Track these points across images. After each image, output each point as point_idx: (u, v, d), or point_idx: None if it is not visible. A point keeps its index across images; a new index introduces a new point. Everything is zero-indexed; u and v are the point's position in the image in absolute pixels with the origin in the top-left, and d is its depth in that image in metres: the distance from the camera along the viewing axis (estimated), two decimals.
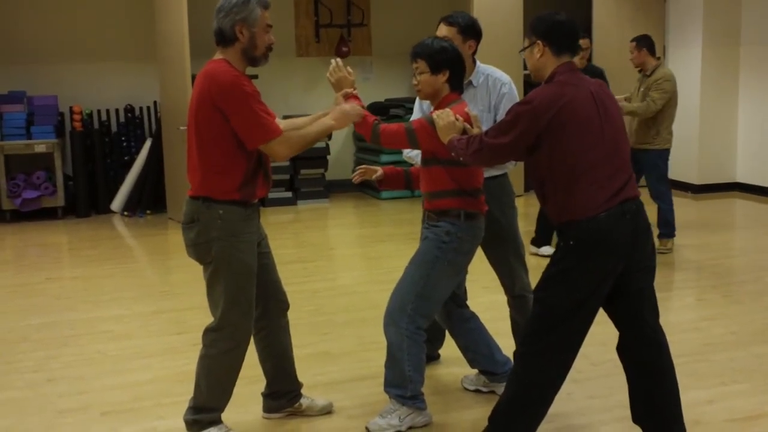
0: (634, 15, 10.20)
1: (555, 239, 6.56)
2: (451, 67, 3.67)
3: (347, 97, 3.76)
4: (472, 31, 4.01)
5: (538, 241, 6.99)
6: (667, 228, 7.13)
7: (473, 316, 4.11)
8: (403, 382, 3.71)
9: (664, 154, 7.11)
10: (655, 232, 7.17)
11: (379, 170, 4.06)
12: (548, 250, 6.84)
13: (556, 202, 3.24)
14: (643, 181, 7.13)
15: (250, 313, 3.58)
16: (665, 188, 7.16)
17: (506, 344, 4.20)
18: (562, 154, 3.16)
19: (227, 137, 3.42)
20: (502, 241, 4.10)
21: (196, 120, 3.46)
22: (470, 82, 4.04)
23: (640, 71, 7.21)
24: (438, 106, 3.70)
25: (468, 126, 3.57)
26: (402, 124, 3.70)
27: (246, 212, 3.53)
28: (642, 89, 7.03)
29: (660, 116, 6.98)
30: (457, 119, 3.54)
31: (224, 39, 3.48)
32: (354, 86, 3.80)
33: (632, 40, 7.20)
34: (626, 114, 6.87)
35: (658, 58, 7.21)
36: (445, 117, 3.54)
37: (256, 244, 3.61)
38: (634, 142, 7.00)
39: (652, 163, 7.04)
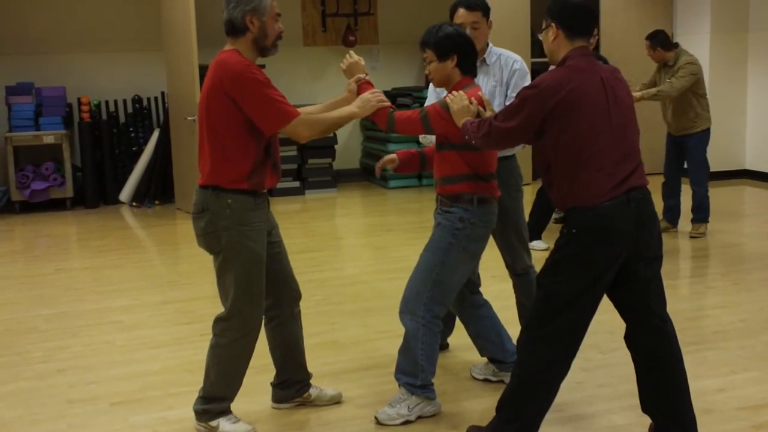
0: (642, 1, 10.14)
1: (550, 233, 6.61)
2: (458, 51, 3.67)
3: (360, 83, 3.77)
4: (489, 9, 4.09)
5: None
6: (702, 213, 7.20)
7: (486, 304, 4.11)
8: (415, 371, 3.71)
9: (706, 135, 7.17)
10: (688, 217, 7.23)
11: (396, 158, 4.05)
12: (540, 244, 6.73)
13: (561, 187, 3.23)
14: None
15: (260, 303, 3.59)
16: (705, 173, 7.23)
17: (514, 333, 4.18)
18: (568, 139, 3.15)
19: (238, 126, 3.43)
20: (506, 222, 4.13)
21: (207, 109, 3.47)
22: (483, 60, 4.09)
23: (662, 65, 7.17)
24: (451, 92, 3.70)
25: (482, 109, 3.56)
26: (416, 110, 3.71)
27: (255, 201, 3.53)
28: (668, 79, 6.99)
29: (694, 99, 7.02)
30: (471, 102, 3.53)
31: (234, 29, 3.48)
32: (366, 72, 3.82)
33: (646, 39, 7.15)
34: (651, 99, 6.92)
35: (676, 45, 7.16)
36: (458, 101, 3.54)
37: (266, 233, 3.61)
38: (675, 130, 7.11)
39: (697, 147, 7.10)
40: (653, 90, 6.93)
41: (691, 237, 7.13)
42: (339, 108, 3.76)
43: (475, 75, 3.78)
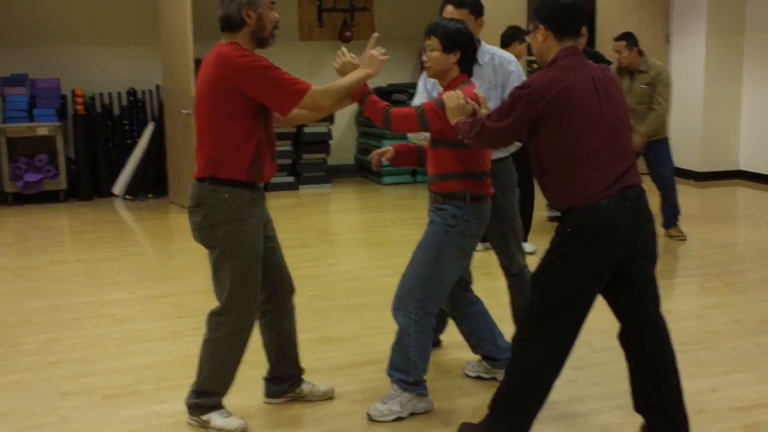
0: (639, 1, 10.15)
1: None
2: (463, 48, 3.66)
3: None
4: (480, 8, 4.07)
5: None
6: (676, 216, 7.14)
7: (478, 301, 4.12)
8: (407, 368, 3.72)
9: (668, 142, 7.12)
10: (660, 222, 7.17)
11: (390, 149, 4.04)
12: (528, 247, 6.37)
13: (556, 187, 3.23)
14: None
15: (255, 298, 3.59)
16: (674, 178, 7.17)
17: (507, 331, 4.20)
18: (561, 139, 3.15)
19: (242, 117, 3.44)
20: (502, 222, 4.14)
21: (208, 103, 3.47)
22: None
23: (621, 68, 7.02)
24: (447, 88, 3.70)
25: (477, 107, 3.56)
26: (413, 107, 3.70)
27: (252, 195, 3.53)
28: (642, 85, 6.90)
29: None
30: (467, 102, 3.53)
31: (231, 25, 3.48)
32: None
33: (620, 39, 6.96)
34: (646, 136, 6.82)
35: (641, 52, 7.02)
36: (454, 99, 3.53)
37: (262, 228, 3.61)
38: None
39: (664, 153, 7.04)
40: (650, 128, 6.82)
41: (678, 240, 7.09)
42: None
43: (471, 75, 3.77)
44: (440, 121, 3.60)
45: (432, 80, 4.00)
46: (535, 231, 6.89)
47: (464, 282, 4.09)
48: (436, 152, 3.73)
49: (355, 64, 3.79)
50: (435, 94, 4.11)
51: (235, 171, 3.47)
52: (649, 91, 6.90)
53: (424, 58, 3.75)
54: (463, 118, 3.49)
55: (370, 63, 3.69)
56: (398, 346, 3.76)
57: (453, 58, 3.67)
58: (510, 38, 6.77)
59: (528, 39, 3.42)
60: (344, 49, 3.84)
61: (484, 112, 3.53)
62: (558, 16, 3.27)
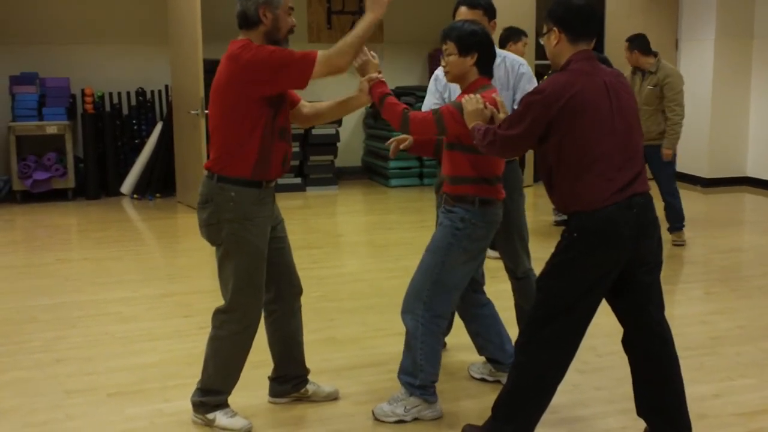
0: (647, 5, 10.16)
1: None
2: (480, 50, 3.63)
3: (372, 82, 3.72)
4: (494, 10, 4.08)
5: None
6: (681, 221, 7.12)
7: (488, 303, 4.12)
8: (414, 370, 3.72)
9: None
10: (666, 226, 7.15)
11: (409, 137, 4.01)
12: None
13: (563, 191, 3.23)
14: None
15: (259, 296, 3.60)
16: (675, 183, 7.16)
17: (512, 334, 4.20)
18: (571, 144, 3.15)
19: (249, 115, 3.45)
20: (508, 225, 4.13)
21: (220, 101, 3.49)
22: None
23: (634, 68, 7.10)
24: (467, 91, 3.67)
25: (495, 112, 3.54)
26: (430, 111, 3.68)
27: (260, 195, 3.54)
28: (650, 86, 6.94)
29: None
30: (486, 107, 3.52)
31: (247, 22, 3.50)
32: (379, 70, 3.73)
33: (626, 41, 7.12)
34: (671, 147, 6.89)
35: (655, 54, 7.06)
36: (474, 103, 3.51)
37: (269, 228, 3.62)
38: (644, 138, 6.83)
39: (666, 158, 7.02)
40: (673, 140, 6.86)
41: (677, 245, 7.07)
42: (349, 105, 3.77)
43: (491, 77, 3.73)
44: (457, 126, 3.58)
45: (444, 82, 3.99)
46: (541, 235, 6.90)
47: (476, 283, 4.09)
48: (451, 155, 3.72)
49: (375, 63, 3.73)
50: (446, 96, 4.11)
51: (240, 169, 3.48)
52: (656, 93, 6.91)
53: (443, 63, 3.73)
54: (479, 123, 3.46)
55: (374, 5, 3.55)
56: (407, 350, 3.75)
57: (470, 60, 3.64)
58: (506, 39, 6.82)
59: (542, 41, 3.40)
60: (365, 48, 3.76)
61: (502, 116, 3.49)
62: (571, 17, 3.24)
